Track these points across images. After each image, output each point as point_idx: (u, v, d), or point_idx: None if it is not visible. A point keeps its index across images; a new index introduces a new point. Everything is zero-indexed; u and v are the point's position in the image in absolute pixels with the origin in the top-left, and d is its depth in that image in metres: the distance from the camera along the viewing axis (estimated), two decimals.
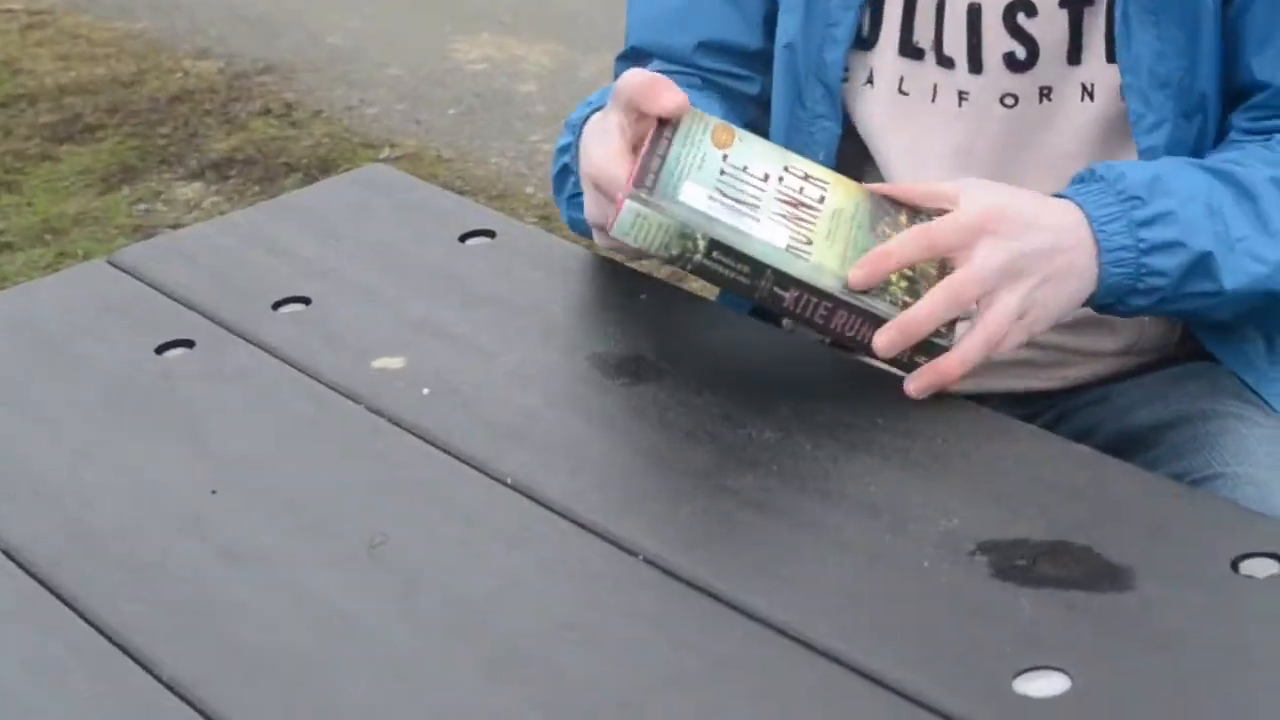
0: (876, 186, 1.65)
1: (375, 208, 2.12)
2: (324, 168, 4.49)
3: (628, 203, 1.49)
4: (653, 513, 1.50)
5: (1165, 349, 1.87)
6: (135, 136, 4.80)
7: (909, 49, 1.82)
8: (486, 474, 1.56)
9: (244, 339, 1.82)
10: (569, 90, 4.82)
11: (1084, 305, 1.64)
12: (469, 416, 1.65)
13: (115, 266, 2.01)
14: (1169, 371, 1.84)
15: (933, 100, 1.82)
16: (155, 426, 1.71)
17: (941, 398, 1.60)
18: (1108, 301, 1.64)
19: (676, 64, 1.89)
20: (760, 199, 1.55)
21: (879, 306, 1.52)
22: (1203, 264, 1.62)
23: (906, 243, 1.55)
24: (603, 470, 1.60)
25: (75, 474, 1.65)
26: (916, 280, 1.54)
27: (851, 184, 1.63)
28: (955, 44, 1.79)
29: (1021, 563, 1.34)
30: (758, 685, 1.28)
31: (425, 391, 1.68)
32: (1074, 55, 1.78)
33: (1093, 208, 1.61)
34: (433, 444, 1.61)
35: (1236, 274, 1.63)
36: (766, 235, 1.52)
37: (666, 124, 1.56)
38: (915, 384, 1.54)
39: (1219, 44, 1.74)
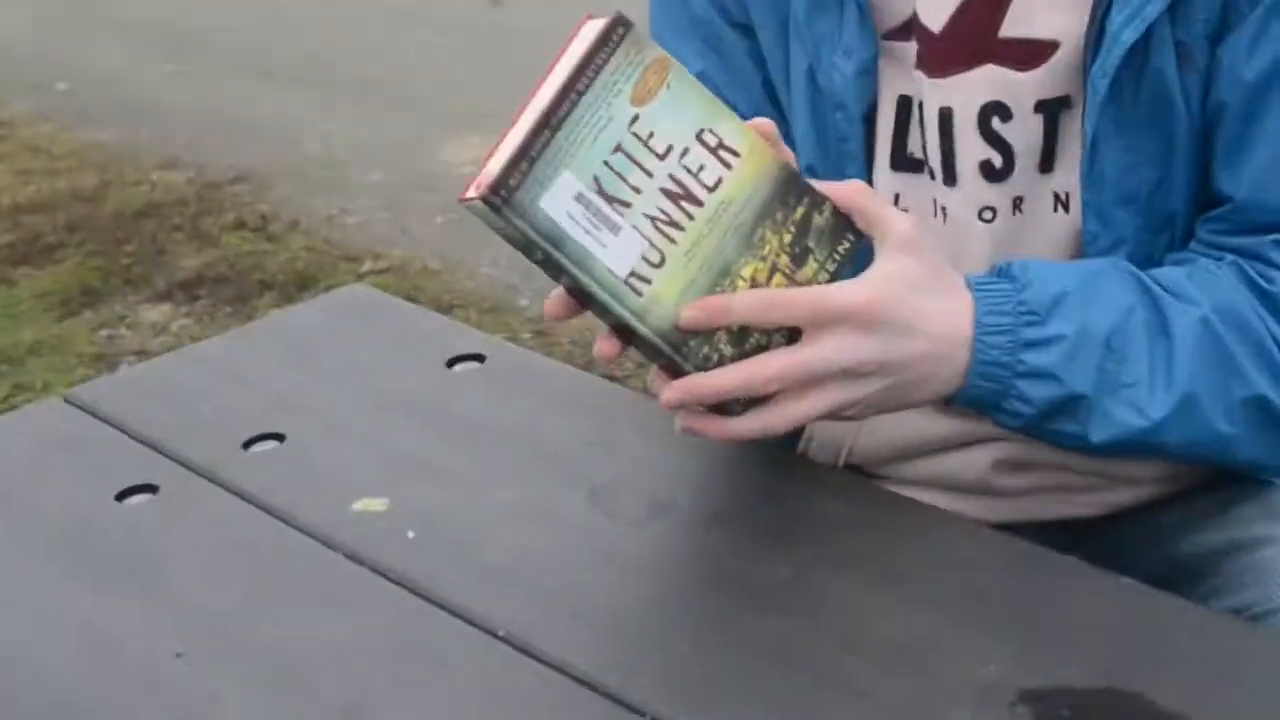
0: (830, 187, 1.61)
1: (355, 332, 2.12)
2: (302, 284, 4.51)
3: (473, 201, 1.48)
4: (661, 667, 1.49)
5: (1211, 470, 1.84)
6: (98, 256, 4.81)
7: (902, 162, 1.83)
8: (479, 627, 1.54)
9: (212, 482, 1.81)
10: None
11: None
12: (458, 562, 1.64)
13: (73, 404, 2.00)
14: (1220, 494, 1.82)
15: (934, 216, 1.83)
16: (115, 580, 1.68)
17: (972, 528, 1.60)
18: (965, 406, 1.65)
19: None
20: (641, 191, 1.51)
21: (686, 365, 1.52)
22: (1072, 406, 1.63)
23: (751, 305, 1.54)
24: (606, 619, 1.57)
25: (26, 632, 1.64)
26: (748, 334, 1.54)
27: (768, 157, 1.57)
28: (932, 153, 1.80)
29: (1066, 713, 1.34)
30: None
31: (410, 535, 1.67)
32: (1046, 162, 1.78)
33: (984, 311, 1.61)
34: (419, 594, 1.60)
35: (1108, 424, 1.64)
36: (612, 257, 1.50)
37: (601, 51, 1.51)
38: (681, 421, 1.57)
39: (1194, 156, 1.75)
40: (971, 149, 1.79)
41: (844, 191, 1.60)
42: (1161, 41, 1.69)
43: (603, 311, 1.53)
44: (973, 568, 1.55)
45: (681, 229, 1.51)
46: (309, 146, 5.38)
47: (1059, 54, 1.75)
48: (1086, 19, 1.72)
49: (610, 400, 1.94)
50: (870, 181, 1.81)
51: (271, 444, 1.87)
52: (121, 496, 1.80)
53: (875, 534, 1.61)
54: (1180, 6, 1.67)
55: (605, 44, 1.49)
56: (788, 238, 1.54)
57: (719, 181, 1.53)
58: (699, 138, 1.53)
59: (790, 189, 1.56)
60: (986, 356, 1.60)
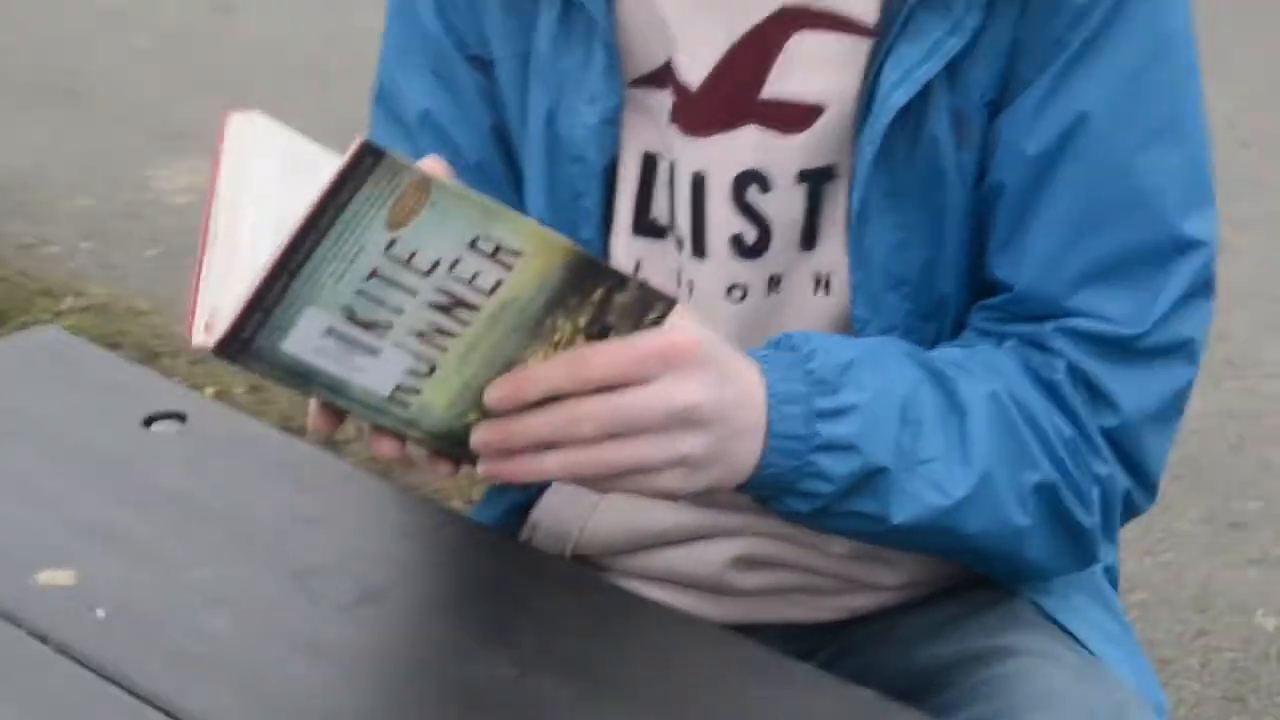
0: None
1: (43, 381, 2.11)
2: None
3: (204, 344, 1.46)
4: None
5: (955, 576, 1.87)
6: None
7: (645, 226, 1.82)
8: (171, 715, 1.53)
9: None
10: None
11: (735, 491, 1.60)
12: (151, 645, 1.63)
13: None
14: (963, 599, 1.85)
15: (679, 288, 1.80)
16: None
17: (705, 629, 1.62)
18: (762, 494, 1.61)
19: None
20: (404, 310, 1.49)
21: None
22: (873, 481, 1.61)
23: (562, 368, 1.49)
24: (307, 714, 1.57)
25: None
26: None
27: (558, 249, 1.51)
28: (680, 220, 1.79)
29: None
30: None
31: (100, 614, 1.65)
32: (808, 239, 1.77)
33: (775, 380, 1.58)
34: (108, 679, 1.58)
35: (910, 503, 1.63)
36: (373, 378, 1.49)
37: (348, 183, 1.43)
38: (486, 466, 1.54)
39: (966, 236, 1.76)
40: (724, 220, 1.77)
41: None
42: (937, 108, 1.69)
43: (370, 424, 1.53)
44: (703, 673, 1.57)
45: (455, 335, 1.49)
46: (5, 159, 5.32)
47: (826, 118, 1.74)
48: (858, 81, 1.71)
49: (325, 472, 1.93)
50: (607, 246, 1.81)
51: None
52: None
53: (601, 632, 1.62)
54: (958, 70, 1.67)
55: (352, 175, 1.42)
56: (583, 320, 1.50)
57: (498, 284, 1.49)
58: (472, 246, 1.48)
59: (586, 274, 1.50)
60: (782, 428, 1.57)
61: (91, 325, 4.27)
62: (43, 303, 4.54)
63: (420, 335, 1.48)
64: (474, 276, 1.48)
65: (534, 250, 1.49)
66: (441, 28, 1.87)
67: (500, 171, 1.84)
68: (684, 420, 1.49)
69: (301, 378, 1.47)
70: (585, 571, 1.78)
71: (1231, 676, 3.14)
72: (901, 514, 1.63)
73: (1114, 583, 1.99)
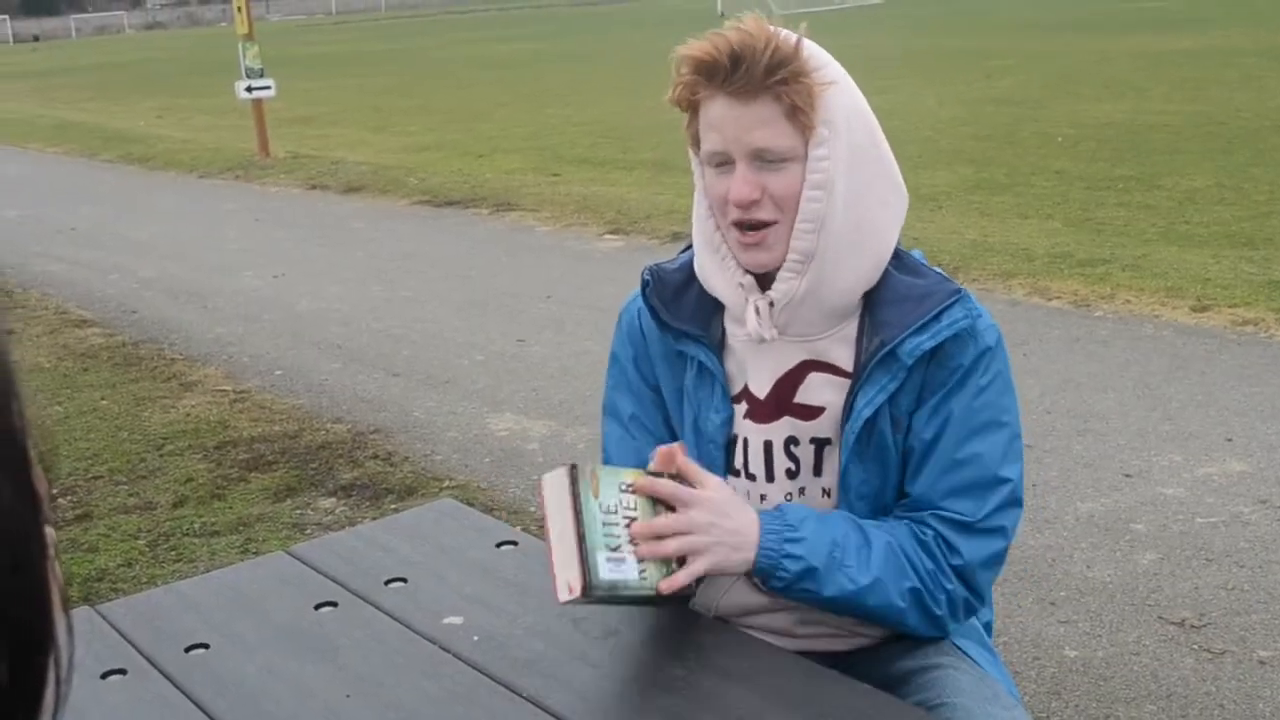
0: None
1: (444, 524, 2.12)
2: (409, 492, 4.48)
3: (575, 600, 1.55)
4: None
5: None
6: (295, 469, 4.78)
7: (737, 471, 1.84)
8: (511, 690, 1.56)
9: (366, 602, 1.82)
10: (558, 448, 4.86)
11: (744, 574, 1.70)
12: (502, 654, 1.64)
13: (289, 554, 2.03)
14: (913, 640, 1.82)
15: (759, 502, 1.83)
16: (308, 658, 1.69)
17: (782, 653, 1.64)
18: (760, 578, 1.69)
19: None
20: (619, 535, 1.59)
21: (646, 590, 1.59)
22: (811, 572, 1.67)
23: (662, 520, 1.62)
24: (596, 692, 1.56)
25: (256, 687, 1.64)
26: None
27: (641, 478, 1.66)
28: (756, 466, 1.83)
29: None
30: None
31: (475, 638, 1.69)
32: (817, 471, 1.81)
33: (766, 522, 1.67)
34: (479, 670, 1.61)
35: (832, 586, 1.68)
36: (631, 577, 1.57)
37: (573, 486, 1.58)
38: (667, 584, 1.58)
39: (896, 477, 1.79)
40: (780, 462, 1.82)
41: (683, 464, 1.67)
42: (883, 415, 1.74)
43: (629, 600, 1.60)
44: (780, 675, 1.57)
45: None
46: (415, 414, 5.34)
47: (825, 414, 1.79)
48: (842, 399, 1.76)
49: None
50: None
51: (400, 583, 1.86)
52: (317, 607, 1.80)
53: (728, 653, 1.62)
54: (894, 396, 1.74)
55: (574, 482, 1.57)
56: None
57: (636, 503, 1.62)
58: (620, 489, 1.62)
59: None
60: (766, 542, 1.66)
61: (458, 496, 4.24)
62: (433, 484, 4.52)
63: (631, 545, 1.59)
64: (630, 505, 1.62)
65: (636, 479, 1.65)
66: (636, 373, 1.91)
67: (668, 439, 1.85)
68: (705, 529, 1.62)
69: (612, 589, 1.56)
70: (722, 624, 1.77)
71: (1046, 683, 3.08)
72: (829, 591, 1.68)
73: (989, 630, 1.97)
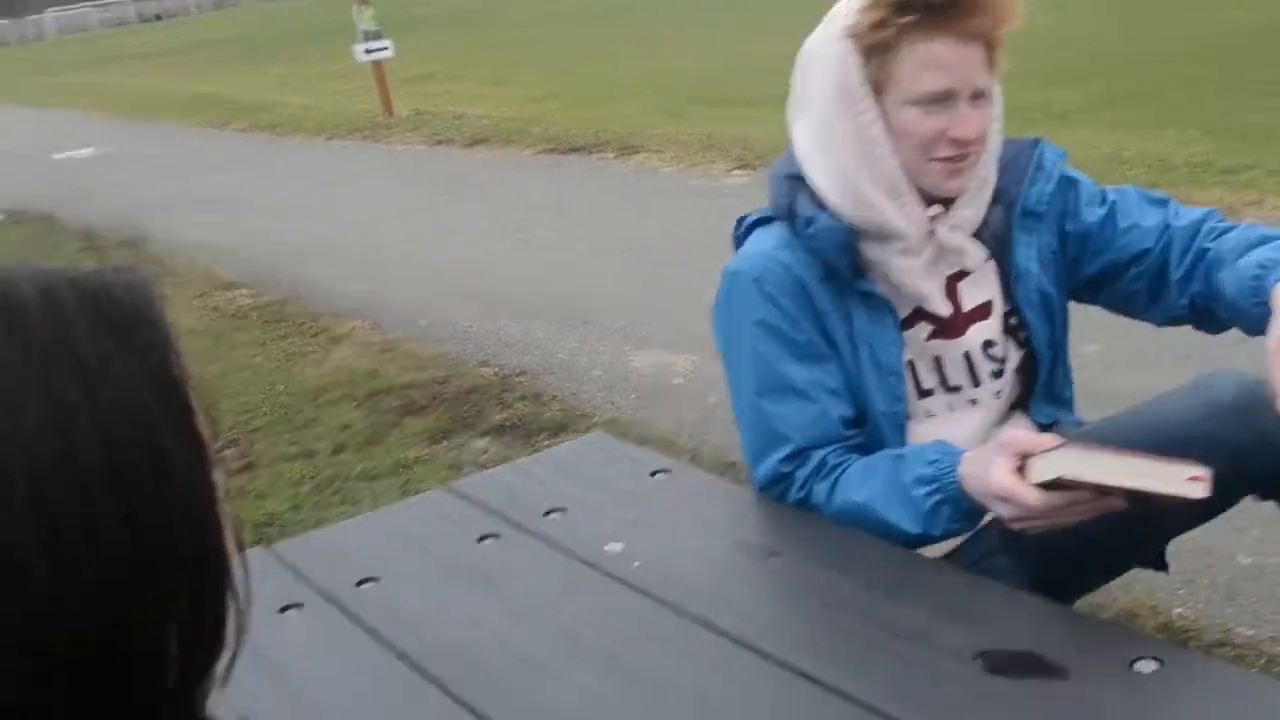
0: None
1: (596, 456, 2.14)
2: (559, 430, 4.49)
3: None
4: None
5: None
6: (448, 413, 4.85)
7: (941, 388, 1.88)
8: (678, 611, 1.56)
9: (528, 533, 1.84)
10: (703, 380, 4.85)
11: None
12: (665, 578, 1.65)
13: (450, 490, 2.06)
14: None
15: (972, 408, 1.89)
16: (474, 588, 1.72)
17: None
18: None
19: (831, 444, 1.82)
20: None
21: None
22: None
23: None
24: (761, 611, 1.57)
25: (427, 617, 1.67)
26: None
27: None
28: (958, 378, 1.88)
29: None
30: None
31: (636, 564, 1.70)
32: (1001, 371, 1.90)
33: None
34: (644, 593, 1.62)
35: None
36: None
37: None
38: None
39: (1065, 315, 1.92)
40: (984, 365, 1.88)
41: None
42: (1042, 268, 1.88)
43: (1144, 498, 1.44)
44: (953, 590, 1.58)
45: None
46: (559, 356, 5.37)
47: (993, 304, 1.88)
48: (1000, 281, 1.87)
49: (735, 501, 1.97)
50: (909, 410, 1.86)
51: (559, 515, 1.87)
52: (480, 540, 1.83)
53: (912, 570, 1.65)
54: (1046, 246, 1.87)
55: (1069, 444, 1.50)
56: None
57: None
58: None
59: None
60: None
61: (608, 432, 4.27)
62: (582, 421, 4.54)
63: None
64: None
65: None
66: (803, 333, 1.81)
67: (848, 392, 1.83)
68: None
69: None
70: (885, 543, 1.76)
71: None
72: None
73: None
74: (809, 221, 1.81)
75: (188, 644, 0.74)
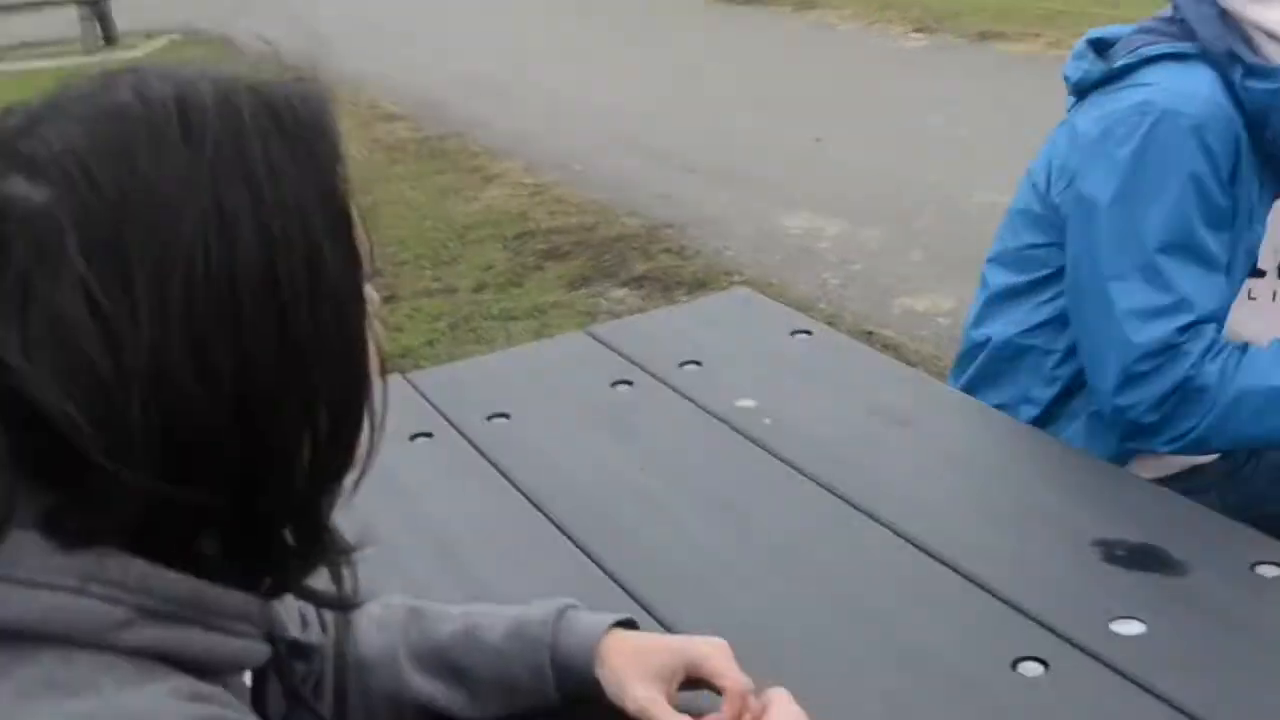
0: None
1: (738, 311, 2.12)
2: (700, 285, 4.48)
3: None
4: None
5: None
6: (591, 260, 4.87)
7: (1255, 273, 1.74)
8: (802, 473, 1.57)
9: (661, 382, 1.83)
10: (851, 246, 4.80)
11: None
12: (793, 437, 1.64)
13: (588, 334, 2.06)
14: None
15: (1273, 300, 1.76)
16: (603, 432, 1.73)
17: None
18: None
19: (1218, 323, 1.67)
20: None
21: None
22: None
23: None
24: (889, 479, 1.56)
25: (553, 456, 1.67)
26: None
27: None
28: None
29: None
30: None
31: (767, 421, 1.69)
32: None
33: None
34: (770, 452, 1.62)
35: None
36: None
37: None
38: None
39: None
40: None
41: None
42: None
43: None
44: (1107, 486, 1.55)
45: None
46: (707, 211, 5.35)
47: None
48: None
49: (875, 374, 1.93)
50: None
51: (695, 366, 1.86)
52: (613, 385, 1.83)
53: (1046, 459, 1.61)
54: None
55: None
56: None
57: None
58: None
59: None
60: None
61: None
62: (724, 278, 4.52)
63: None
64: None
65: None
66: (1225, 197, 1.63)
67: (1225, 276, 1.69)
68: None
69: None
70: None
71: None
72: None
73: None
74: (1259, 73, 1.63)
75: (320, 452, 0.76)
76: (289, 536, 0.79)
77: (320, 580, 0.83)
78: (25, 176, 0.70)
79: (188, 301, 0.69)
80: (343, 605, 0.85)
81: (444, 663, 1.13)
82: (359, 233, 0.78)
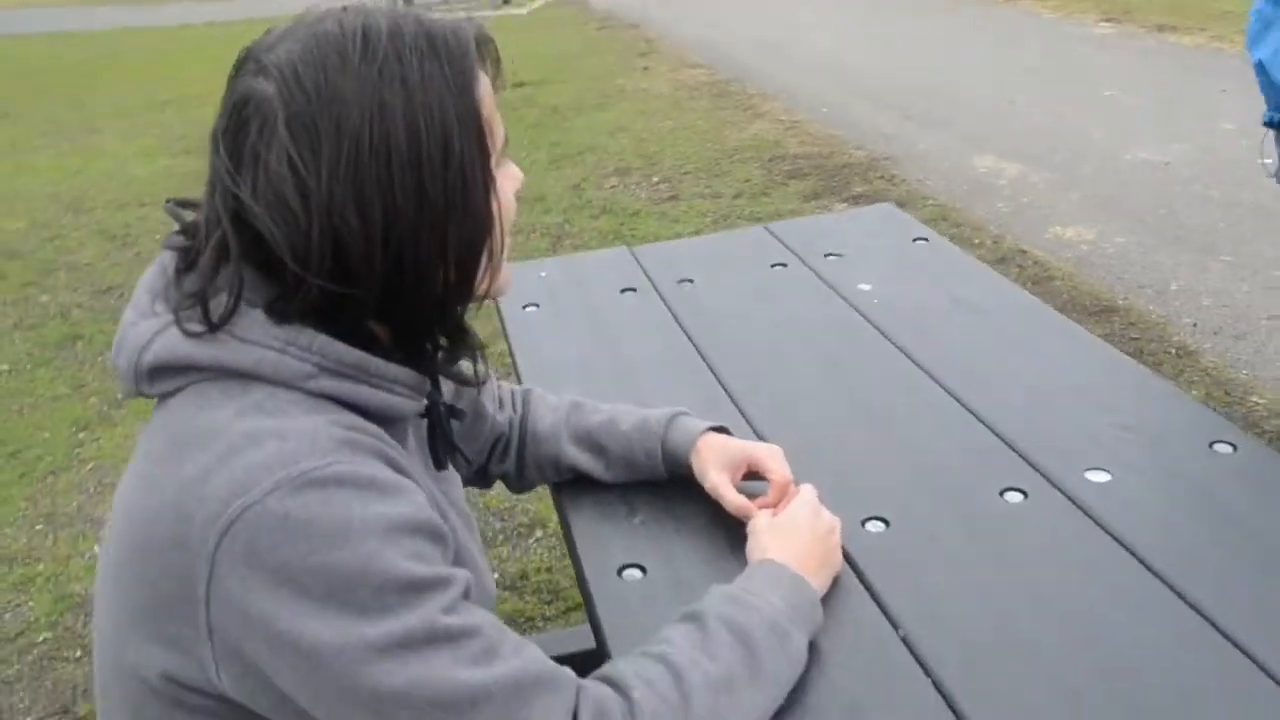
0: None
1: (876, 219, 2.04)
2: (900, 205, 4.23)
3: None
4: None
5: None
6: (822, 181, 4.78)
7: None
8: (885, 336, 1.52)
9: (808, 267, 1.80)
10: (1024, 184, 4.57)
11: None
12: (887, 312, 1.59)
13: (765, 229, 2.00)
14: None
15: None
16: (754, 300, 1.69)
17: None
18: None
19: None
20: None
21: None
22: None
23: None
24: (955, 352, 1.50)
25: (724, 316, 1.65)
26: None
27: None
28: None
29: None
30: None
31: (875, 301, 1.64)
32: None
33: None
34: (869, 321, 1.56)
35: None
36: None
37: None
38: None
39: None
40: None
41: None
42: None
43: None
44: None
45: None
46: (916, 149, 5.17)
47: None
48: None
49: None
50: None
51: (835, 259, 1.83)
52: (772, 266, 1.79)
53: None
54: None
55: None
56: None
57: None
58: None
59: None
60: None
61: (932, 216, 4.12)
62: (919, 201, 4.40)
63: None
64: None
65: None
66: None
67: None
68: None
69: None
70: None
71: None
72: None
73: None
74: None
75: (450, 276, 0.82)
76: (437, 333, 0.86)
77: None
78: (264, 77, 0.77)
79: (355, 165, 0.75)
80: (476, 383, 0.92)
81: (590, 441, 1.19)
82: (494, 128, 0.82)
